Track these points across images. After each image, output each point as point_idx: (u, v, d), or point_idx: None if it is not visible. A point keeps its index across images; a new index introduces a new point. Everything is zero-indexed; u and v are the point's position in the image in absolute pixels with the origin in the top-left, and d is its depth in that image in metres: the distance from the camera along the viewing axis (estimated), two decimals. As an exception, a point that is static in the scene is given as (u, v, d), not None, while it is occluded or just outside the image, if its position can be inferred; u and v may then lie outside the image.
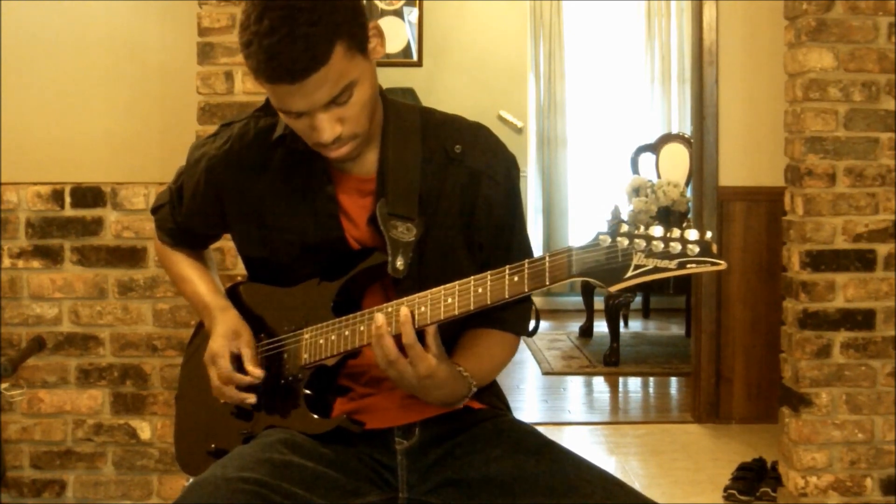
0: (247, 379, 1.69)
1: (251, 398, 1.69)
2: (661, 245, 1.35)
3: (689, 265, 1.35)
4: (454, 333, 1.68)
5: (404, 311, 1.51)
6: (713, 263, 1.34)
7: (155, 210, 1.94)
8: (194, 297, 1.85)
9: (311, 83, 1.48)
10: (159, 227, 1.93)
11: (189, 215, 1.85)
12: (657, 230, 1.36)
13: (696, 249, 1.34)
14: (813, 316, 3.21)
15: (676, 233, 1.36)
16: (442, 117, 1.75)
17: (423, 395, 1.58)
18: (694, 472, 3.77)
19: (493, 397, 1.77)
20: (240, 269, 2.11)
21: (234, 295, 1.85)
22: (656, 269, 1.36)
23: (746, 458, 3.71)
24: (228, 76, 3.13)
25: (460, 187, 1.68)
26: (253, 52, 1.48)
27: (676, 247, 1.35)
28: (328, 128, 1.54)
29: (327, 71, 1.48)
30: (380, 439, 1.66)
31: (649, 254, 1.36)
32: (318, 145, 1.59)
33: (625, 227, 1.37)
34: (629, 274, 1.37)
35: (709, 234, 1.36)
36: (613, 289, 1.38)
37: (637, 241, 1.36)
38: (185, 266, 1.90)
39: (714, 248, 1.35)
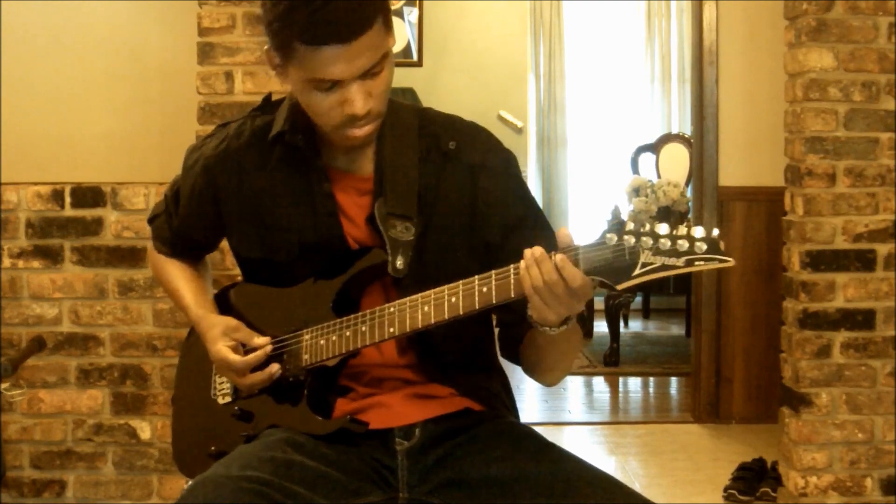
0: (259, 354, 1.67)
1: (274, 367, 1.67)
2: (668, 243, 1.34)
3: (697, 262, 1.34)
4: (460, 331, 1.66)
5: (539, 249, 1.42)
6: (721, 260, 1.34)
7: (151, 220, 1.92)
8: (187, 309, 1.83)
9: (357, 46, 1.48)
10: (155, 237, 1.91)
11: (186, 218, 1.83)
12: (663, 228, 1.35)
13: (704, 247, 1.34)
14: (813, 316, 3.21)
15: (683, 230, 1.35)
16: (438, 116, 1.74)
17: (570, 307, 1.45)
18: (694, 472, 3.77)
19: (495, 399, 1.76)
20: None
21: (229, 297, 1.83)
22: (664, 267, 1.35)
23: (746, 458, 3.71)
24: (228, 76, 3.13)
25: (458, 184, 1.67)
26: (297, 18, 1.47)
27: (683, 244, 1.34)
28: (361, 99, 1.53)
29: (372, 35, 1.49)
30: (380, 440, 1.66)
31: (656, 252, 1.35)
32: (344, 124, 1.57)
33: (630, 226, 1.37)
34: (637, 272, 1.36)
35: (715, 232, 1.35)
36: (621, 287, 1.37)
37: (644, 238, 1.35)
38: (180, 278, 1.87)
39: (722, 245, 1.34)
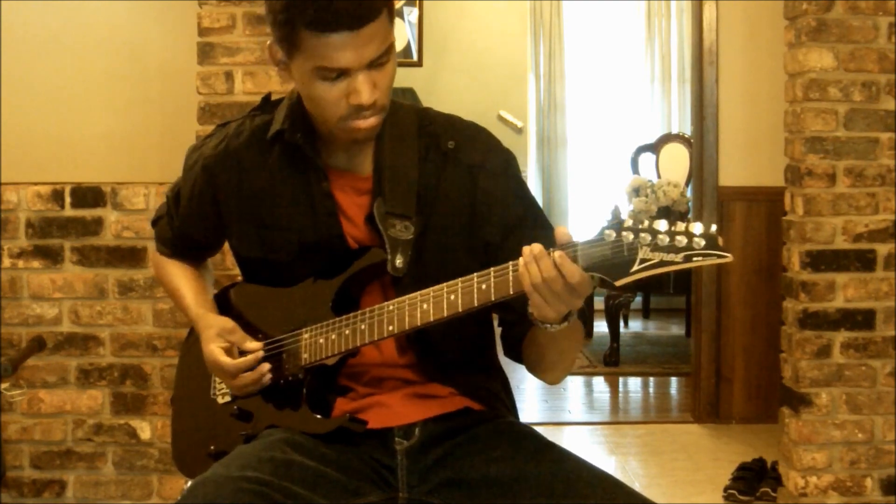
0: (249, 359, 1.68)
1: (265, 369, 1.68)
2: (667, 239, 1.34)
3: (695, 258, 1.33)
4: (460, 331, 1.67)
5: (538, 246, 1.42)
6: (720, 256, 1.33)
7: (154, 222, 1.93)
8: (187, 308, 1.83)
9: (367, 32, 1.49)
10: (158, 239, 1.92)
11: (187, 218, 1.83)
12: (662, 224, 1.35)
13: (702, 242, 1.33)
14: (813, 316, 3.21)
15: (681, 226, 1.34)
16: (438, 116, 1.75)
17: (570, 303, 1.46)
18: (694, 472, 3.77)
19: (495, 399, 1.76)
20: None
21: (229, 296, 1.83)
22: (662, 263, 1.35)
23: (746, 458, 3.71)
24: (228, 76, 3.13)
25: (457, 184, 1.67)
26: (305, 6, 1.48)
27: (682, 240, 1.34)
28: (368, 89, 1.54)
29: (380, 24, 1.51)
30: (380, 439, 1.66)
31: (655, 248, 1.35)
32: (349, 115, 1.56)
33: (629, 222, 1.36)
34: (635, 268, 1.36)
35: (713, 227, 1.35)
36: (620, 283, 1.37)
37: (642, 235, 1.35)
38: (180, 277, 1.88)
39: (720, 240, 1.34)
